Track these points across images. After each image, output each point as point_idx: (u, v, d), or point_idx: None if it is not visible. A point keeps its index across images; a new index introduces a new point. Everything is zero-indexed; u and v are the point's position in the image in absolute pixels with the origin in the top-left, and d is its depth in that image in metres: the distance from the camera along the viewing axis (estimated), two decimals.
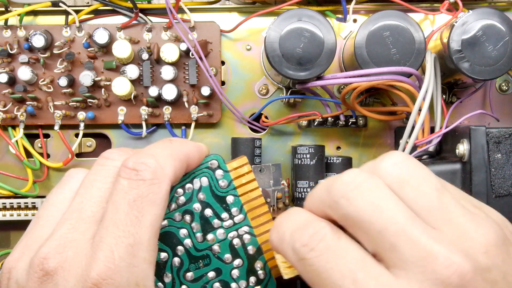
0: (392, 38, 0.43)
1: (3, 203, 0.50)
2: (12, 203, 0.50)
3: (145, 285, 0.26)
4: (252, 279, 0.31)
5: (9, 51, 0.50)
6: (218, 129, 0.52)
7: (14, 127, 0.51)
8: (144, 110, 0.51)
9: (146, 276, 0.26)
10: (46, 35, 0.49)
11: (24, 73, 0.49)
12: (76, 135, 0.52)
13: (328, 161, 0.49)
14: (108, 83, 0.50)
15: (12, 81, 0.50)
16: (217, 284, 0.31)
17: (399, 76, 0.42)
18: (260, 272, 0.32)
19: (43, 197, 0.51)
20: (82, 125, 0.51)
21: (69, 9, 0.50)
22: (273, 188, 0.46)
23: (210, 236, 0.31)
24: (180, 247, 0.31)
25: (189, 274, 0.31)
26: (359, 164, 0.52)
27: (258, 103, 0.52)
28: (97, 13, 0.51)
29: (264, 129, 0.52)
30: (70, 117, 0.51)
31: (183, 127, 0.52)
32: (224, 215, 0.31)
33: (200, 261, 0.31)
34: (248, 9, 0.52)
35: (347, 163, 0.50)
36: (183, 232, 0.31)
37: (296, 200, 0.49)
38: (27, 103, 0.50)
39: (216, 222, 0.31)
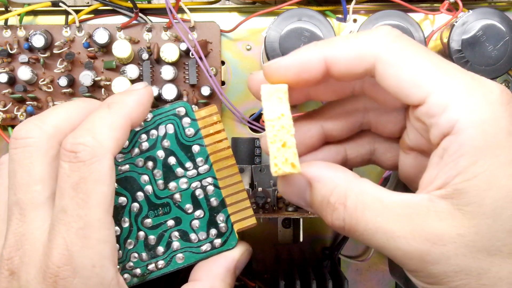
0: None
1: None
2: None
3: (102, 265, 0.26)
4: (213, 231, 0.31)
5: (9, 51, 0.50)
6: None
7: (14, 127, 0.51)
8: None
9: (102, 256, 0.26)
10: (46, 35, 0.49)
11: (24, 73, 0.49)
12: None
13: None
14: (108, 83, 0.50)
15: (12, 81, 0.50)
16: (176, 233, 0.30)
17: None
18: (221, 225, 0.31)
19: None
20: None
21: (69, 9, 0.50)
22: (273, 188, 0.46)
23: (172, 185, 0.30)
24: (140, 193, 0.30)
25: (148, 221, 0.30)
26: None
27: (258, 103, 0.52)
28: (97, 13, 0.51)
29: (264, 129, 0.52)
30: None
31: None
32: (189, 164, 0.31)
33: (160, 208, 0.30)
34: (248, 9, 0.52)
35: None
36: (144, 178, 0.30)
37: None
38: (27, 103, 0.50)
39: (179, 170, 0.30)
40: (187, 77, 0.50)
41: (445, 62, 0.26)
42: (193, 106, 0.33)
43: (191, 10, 0.51)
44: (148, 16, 0.51)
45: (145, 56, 0.49)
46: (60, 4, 0.50)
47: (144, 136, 0.30)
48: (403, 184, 0.33)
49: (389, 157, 0.33)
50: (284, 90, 0.28)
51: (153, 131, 0.30)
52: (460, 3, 0.46)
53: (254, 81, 0.29)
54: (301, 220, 0.48)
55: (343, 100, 0.32)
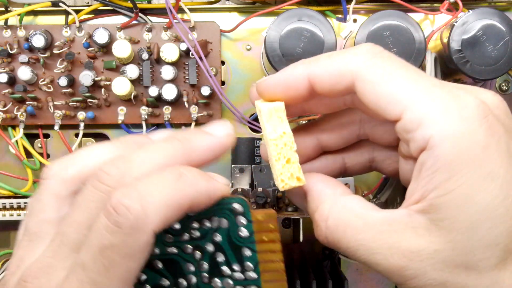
0: (392, 38, 0.43)
1: (3, 203, 0.50)
2: (12, 203, 0.50)
3: None
4: None
5: (9, 51, 0.50)
6: None
7: (14, 127, 0.51)
8: (144, 110, 0.51)
9: None
10: (46, 35, 0.49)
11: (24, 73, 0.49)
12: (76, 135, 0.52)
13: None
14: (108, 83, 0.50)
15: (12, 81, 0.50)
16: None
17: None
18: None
19: None
20: (82, 125, 0.51)
21: (69, 9, 0.50)
22: (273, 188, 0.46)
23: (216, 282, 0.29)
24: (183, 281, 0.29)
25: None
26: None
27: None
28: (97, 13, 0.51)
29: None
30: (70, 117, 0.51)
31: (183, 127, 0.52)
32: (236, 266, 0.29)
33: None
34: (248, 9, 0.52)
35: None
36: (189, 266, 0.29)
37: None
38: (27, 103, 0.50)
39: (225, 270, 0.29)
40: (187, 77, 0.50)
41: (423, 77, 0.26)
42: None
43: (191, 10, 0.51)
44: (148, 16, 0.51)
45: (145, 56, 0.49)
46: (60, 4, 0.50)
47: (196, 224, 0.28)
48: (402, 187, 0.33)
49: (389, 164, 0.33)
50: (283, 109, 0.29)
51: (206, 221, 0.28)
52: (460, 3, 0.46)
53: (255, 93, 0.31)
54: (301, 220, 0.48)
55: (339, 113, 0.32)
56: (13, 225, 0.52)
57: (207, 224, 0.28)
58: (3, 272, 0.50)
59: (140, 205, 0.24)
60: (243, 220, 0.28)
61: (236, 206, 0.28)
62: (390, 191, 0.46)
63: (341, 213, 0.28)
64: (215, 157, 0.28)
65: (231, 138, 0.28)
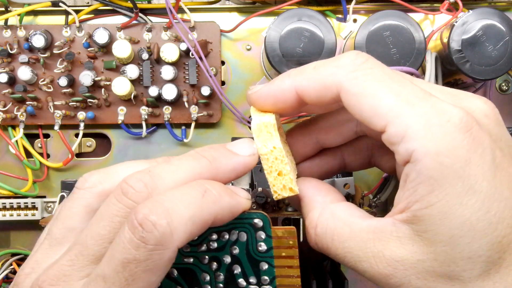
0: (392, 38, 0.43)
1: (3, 203, 0.50)
2: (12, 203, 0.50)
3: None
4: None
5: (9, 51, 0.50)
6: (218, 129, 0.52)
7: (14, 127, 0.51)
8: (144, 110, 0.51)
9: None
10: (46, 35, 0.49)
11: (24, 73, 0.49)
12: (76, 135, 0.52)
13: None
14: (108, 83, 0.50)
15: (12, 81, 0.50)
16: None
17: None
18: None
19: (43, 197, 0.51)
20: (82, 125, 0.51)
21: (69, 9, 0.50)
22: None
23: None
24: None
25: None
26: None
27: None
28: (97, 13, 0.51)
29: None
30: (70, 117, 0.51)
31: (183, 127, 0.52)
32: (252, 279, 0.29)
33: None
34: (248, 9, 0.52)
35: None
36: (205, 276, 0.29)
37: None
38: (27, 103, 0.50)
39: (242, 282, 0.29)
40: (187, 77, 0.50)
41: (406, 88, 0.26)
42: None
43: (191, 10, 0.51)
44: (148, 16, 0.51)
45: (145, 56, 0.49)
46: (60, 4, 0.50)
47: (214, 236, 0.29)
48: None
49: (387, 160, 0.33)
50: (272, 123, 0.29)
51: (225, 234, 0.29)
52: (460, 3, 0.46)
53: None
54: (301, 220, 0.48)
55: (336, 112, 0.33)
56: (13, 225, 0.52)
57: (226, 236, 0.29)
58: (3, 272, 0.50)
59: (166, 221, 0.24)
60: (263, 235, 0.29)
61: (257, 221, 0.29)
62: (390, 191, 0.46)
63: (329, 221, 0.29)
64: (238, 177, 0.29)
65: (256, 158, 0.29)
